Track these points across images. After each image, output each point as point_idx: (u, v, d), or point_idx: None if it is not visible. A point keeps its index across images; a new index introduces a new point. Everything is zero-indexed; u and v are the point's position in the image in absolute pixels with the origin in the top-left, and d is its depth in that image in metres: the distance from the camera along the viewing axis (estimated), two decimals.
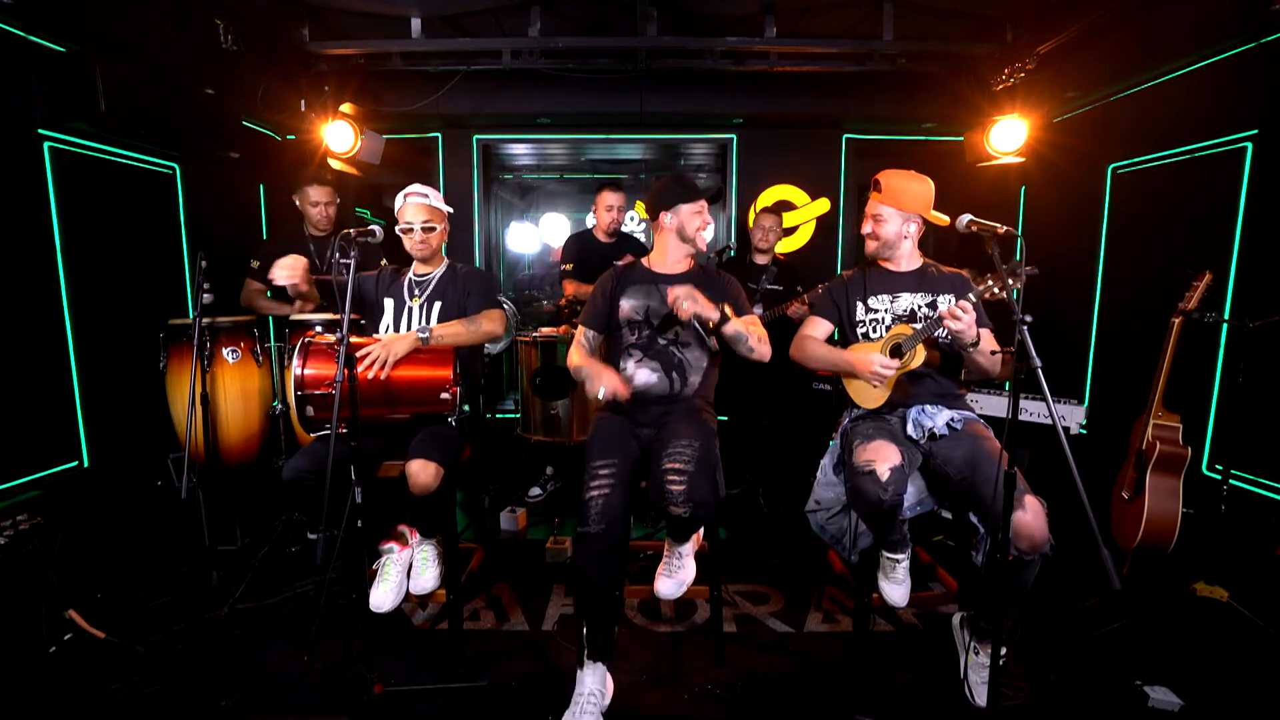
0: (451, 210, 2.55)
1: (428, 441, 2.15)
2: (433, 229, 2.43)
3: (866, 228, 2.26)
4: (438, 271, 2.49)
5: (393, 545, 2.29)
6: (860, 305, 2.26)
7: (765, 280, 3.58)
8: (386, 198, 6.18)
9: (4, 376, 2.54)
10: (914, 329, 2.10)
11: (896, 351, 2.13)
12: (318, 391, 2.07)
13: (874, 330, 2.23)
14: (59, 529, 2.41)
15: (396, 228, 2.42)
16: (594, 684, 1.94)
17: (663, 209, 2.29)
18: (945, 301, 2.17)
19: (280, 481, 2.11)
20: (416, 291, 2.46)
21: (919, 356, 2.09)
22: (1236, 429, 2.63)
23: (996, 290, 1.84)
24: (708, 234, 2.30)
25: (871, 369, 2.06)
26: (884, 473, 1.88)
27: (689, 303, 2.02)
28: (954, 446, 2.03)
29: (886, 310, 2.23)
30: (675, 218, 2.28)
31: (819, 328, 2.32)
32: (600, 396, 2.09)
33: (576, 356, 2.28)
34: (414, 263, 2.51)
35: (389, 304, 2.45)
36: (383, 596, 2.18)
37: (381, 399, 2.17)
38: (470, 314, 2.39)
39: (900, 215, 2.20)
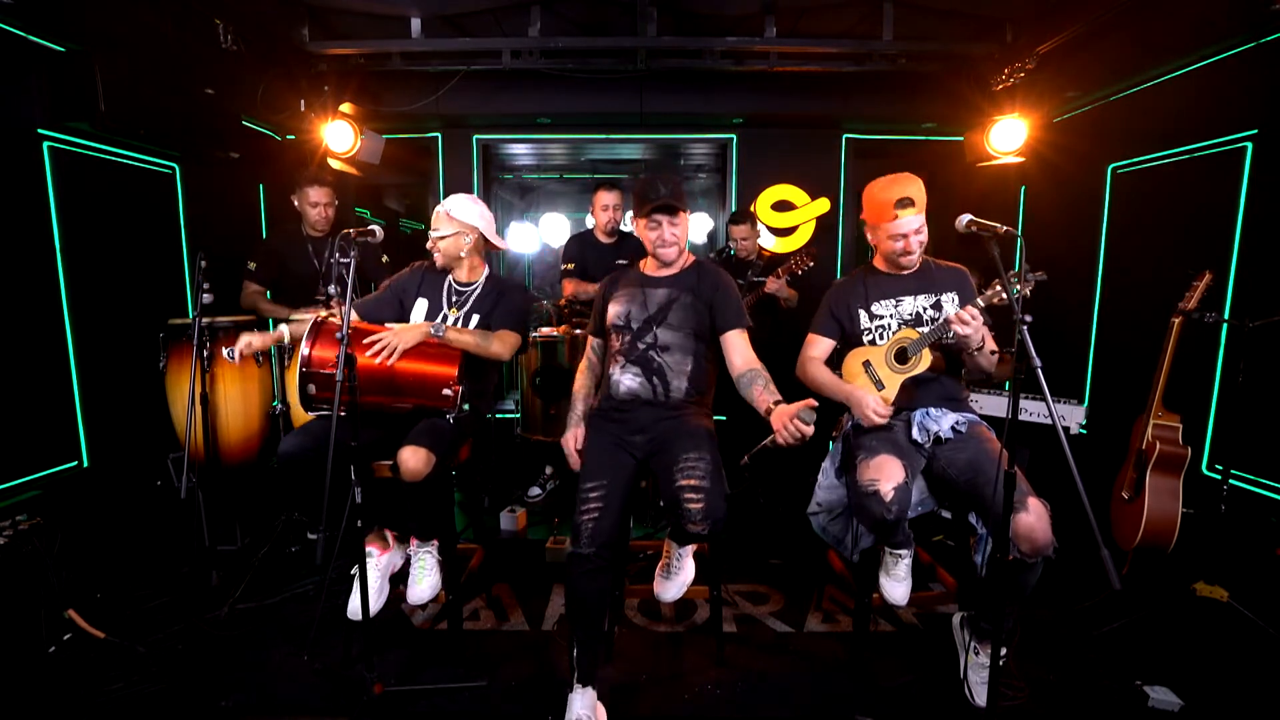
0: (485, 219, 2.46)
1: (421, 431, 2.16)
2: (443, 237, 2.38)
3: (912, 244, 2.13)
4: (479, 283, 2.45)
5: (372, 550, 2.28)
6: (863, 313, 2.22)
7: (752, 274, 3.66)
8: (386, 198, 6.19)
9: (4, 376, 2.54)
10: (920, 333, 2.09)
11: (902, 356, 2.13)
12: (323, 371, 2.07)
13: (880, 337, 2.19)
14: (59, 529, 2.41)
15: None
16: (583, 709, 1.94)
17: (635, 215, 2.21)
18: (949, 301, 2.16)
19: (277, 463, 2.10)
20: (455, 301, 2.43)
21: (925, 361, 2.09)
22: (1236, 429, 2.63)
23: (1004, 296, 1.84)
24: (668, 251, 2.16)
25: (865, 412, 2.04)
26: (888, 493, 1.88)
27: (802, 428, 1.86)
28: (958, 450, 2.03)
29: (892, 315, 2.19)
30: (636, 227, 2.24)
31: (820, 346, 2.26)
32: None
33: (577, 381, 2.34)
34: (454, 269, 2.47)
35: (422, 303, 2.43)
36: (358, 606, 2.00)
37: (384, 387, 2.17)
38: (493, 328, 2.36)
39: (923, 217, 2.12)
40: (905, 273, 2.22)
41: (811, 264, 3.39)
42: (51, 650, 2.27)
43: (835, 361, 2.29)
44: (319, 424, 2.16)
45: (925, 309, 2.17)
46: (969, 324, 1.90)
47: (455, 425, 2.28)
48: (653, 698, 2.13)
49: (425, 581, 2.25)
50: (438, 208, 2.42)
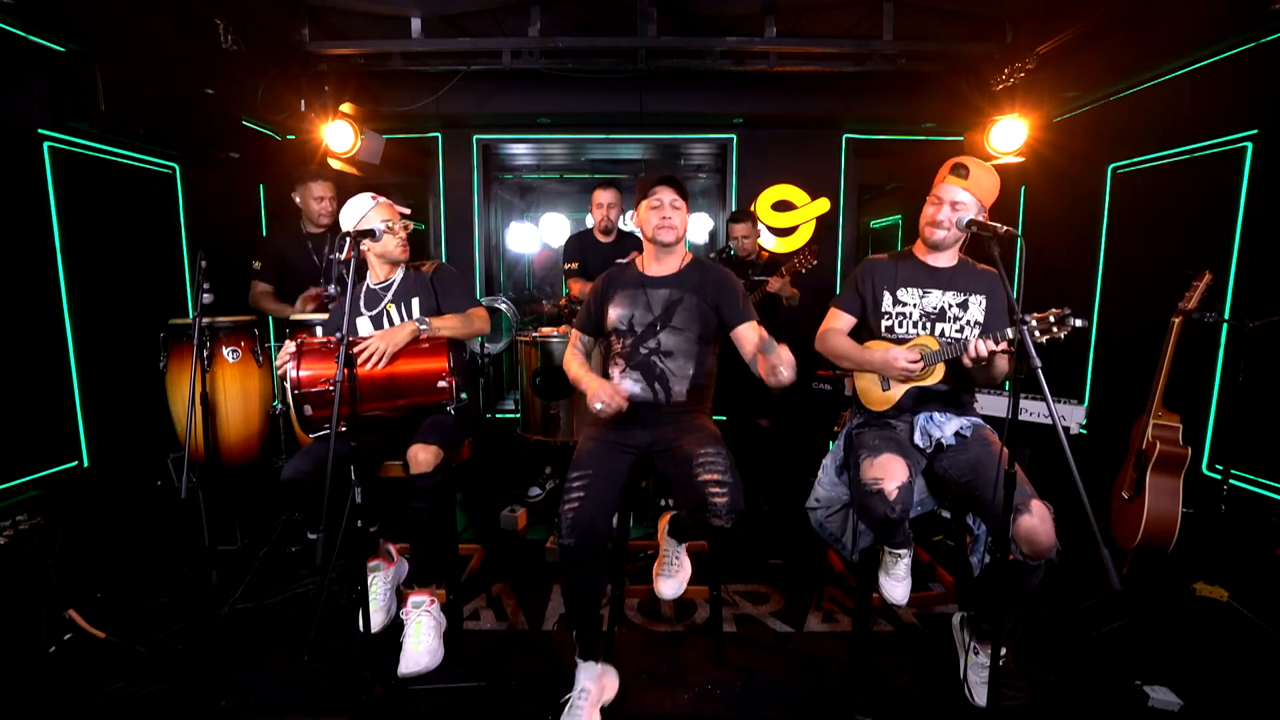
0: (345, 217, 2.39)
1: (427, 429, 2.20)
2: (407, 227, 2.42)
3: (941, 213, 2.06)
4: (398, 275, 2.43)
5: (379, 563, 2.29)
6: (888, 295, 2.16)
7: (753, 273, 3.71)
8: (386, 198, 6.19)
9: (4, 376, 2.54)
10: (940, 344, 2.06)
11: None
12: (314, 389, 2.07)
13: (899, 325, 2.15)
14: (59, 529, 2.41)
15: (373, 231, 2.22)
16: (585, 681, 1.98)
17: (639, 200, 2.23)
18: (977, 304, 2.12)
19: (280, 482, 2.11)
20: (384, 296, 2.41)
21: (937, 373, 2.07)
22: (1236, 429, 2.63)
23: (1040, 338, 1.65)
24: (666, 233, 2.14)
25: (898, 366, 2.01)
26: (892, 491, 1.87)
27: (787, 370, 1.86)
28: (959, 451, 2.02)
29: (915, 305, 2.14)
30: (636, 216, 2.25)
31: (841, 320, 2.24)
32: (598, 410, 2.04)
33: (573, 366, 2.23)
34: (368, 275, 2.44)
35: (361, 321, 2.39)
36: (371, 617, 2.09)
37: (380, 392, 2.18)
38: (453, 312, 2.39)
39: (977, 206, 2.05)
40: (939, 264, 2.16)
41: (815, 262, 3.41)
42: (51, 650, 2.27)
43: None
44: (320, 445, 2.13)
45: (951, 305, 2.13)
46: (983, 356, 1.86)
47: (457, 419, 2.29)
48: (653, 698, 2.13)
49: (423, 644, 2.11)
50: (381, 201, 2.38)
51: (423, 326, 2.25)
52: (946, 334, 2.12)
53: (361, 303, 2.43)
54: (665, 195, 2.13)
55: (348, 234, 1.98)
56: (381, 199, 2.38)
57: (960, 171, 2.04)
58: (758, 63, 3.71)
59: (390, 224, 2.33)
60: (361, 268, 2.30)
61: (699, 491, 1.88)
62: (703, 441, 2.01)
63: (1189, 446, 2.53)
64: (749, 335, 2.12)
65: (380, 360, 2.14)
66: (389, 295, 2.41)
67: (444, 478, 2.15)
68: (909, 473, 1.92)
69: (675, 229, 2.16)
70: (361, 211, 2.33)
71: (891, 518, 1.88)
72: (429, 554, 2.21)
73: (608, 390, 2.03)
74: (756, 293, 3.56)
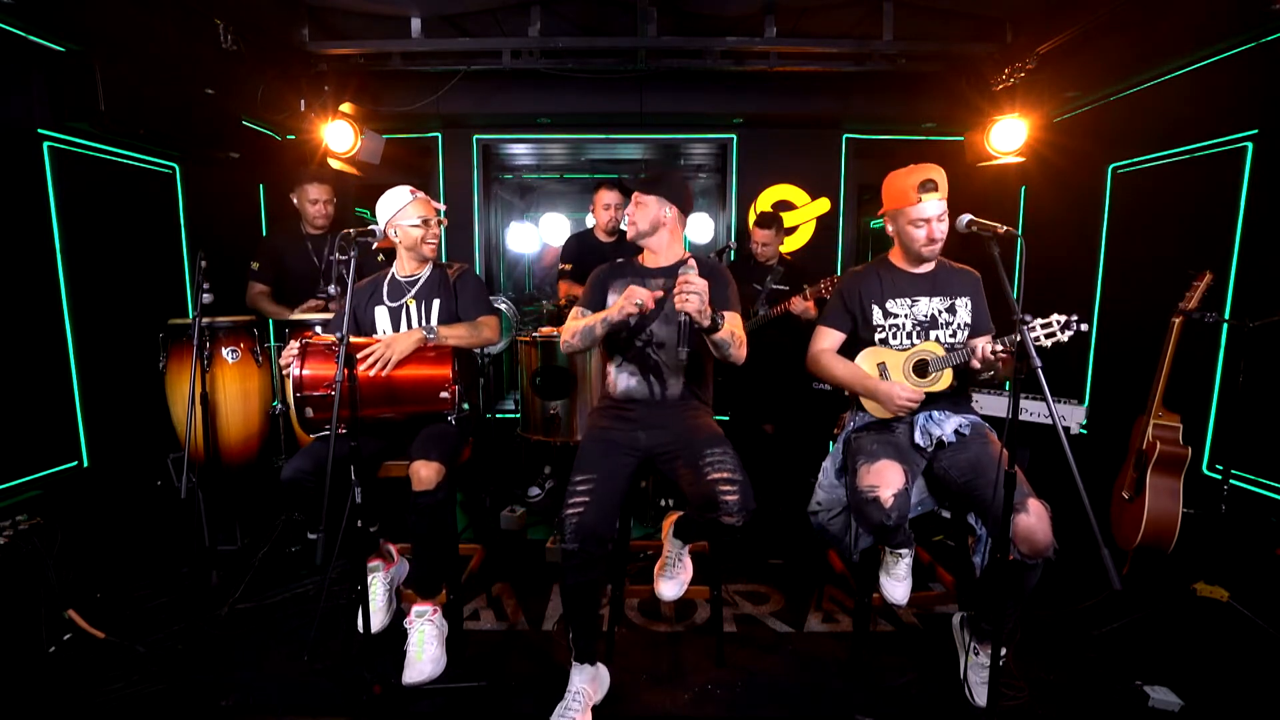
0: (381, 210, 2.43)
1: (428, 441, 2.18)
2: (442, 223, 2.44)
3: (935, 231, 2.06)
4: (425, 271, 2.45)
5: (379, 563, 2.29)
6: (877, 309, 2.17)
7: (771, 280, 3.60)
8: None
9: (4, 376, 2.54)
10: (945, 350, 2.07)
11: (922, 369, 2.11)
12: (316, 393, 2.07)
13: (893, 336, 2.16)
14: (59, 529, 2.41)
15: (404, 224, 2.34)
16: (580, 683, 1.99)
17: None
18: (963, 306, 2.14)
19: (280, 481, 2.11)
20: (408, 290, 2.42)
21: (945, 379, 2.08)
22: (1236, 429, 2.63)
23: (1045, 342, 1.74)
24: (630, 229, 2.21)
25: (897, 403, 2.04)
26: (888, 499, 1.87)
27: (695, 299, 1.81)
28: (959, 451, 2.03)
29: (906, 315, 2.15)
30: None
31: (830, 338, 2.24)
32: (638, 307, 1.96)
33: (586, 319, 2.12)
34: (395, 264, 2.47)
35: (380, 311, 2.41)
36: (371, 617, 2.07)
37: (381, 398, 2.17)
38: (463, 319, 2.39)
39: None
40: (921, 270, 2.18)
41: None
42: (51, 650, 2.27)
43: (845, 357, 2.26)
44: (321, 445, 2.13)
45: (940, 311, 2.14)
46: (991, 360, 1.91)
47: (458, 428, 2.28)
48: (653, 698, 2.13)
49: (426, 653, 2.11)
50: (419, 196, 2.40)
51: (430, 336, 2.24)
52: (941, 340, 2.13)
53: (385, 292, 2.43)
54: (631, 198, 2.21)
55: (347, 233, 1.97)
56: (420, 194, 2.38)
57: (931, 187, 2.04)
58: (758, 63, 3.71)
59: (428, 220, 2.35)
60: (361, 268, 2.30)
61: (709, 491, 1.88)
62: (708, 441, 2.02)
63: (1189, 446, 2.53)
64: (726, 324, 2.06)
65: (383, 368, 2.13)
66: (412, 290, 2.41)
67: (445, 494, 2.15)
68: (905, 479, 1.92)
69: (634, 225, 2.19)
70: (399, 205, 2.34)
71: (887, 524, 1.89)
72: (431, 565, 2.21)
73: (635, 294, 1.95)
74: (775, 307, 3.51)
